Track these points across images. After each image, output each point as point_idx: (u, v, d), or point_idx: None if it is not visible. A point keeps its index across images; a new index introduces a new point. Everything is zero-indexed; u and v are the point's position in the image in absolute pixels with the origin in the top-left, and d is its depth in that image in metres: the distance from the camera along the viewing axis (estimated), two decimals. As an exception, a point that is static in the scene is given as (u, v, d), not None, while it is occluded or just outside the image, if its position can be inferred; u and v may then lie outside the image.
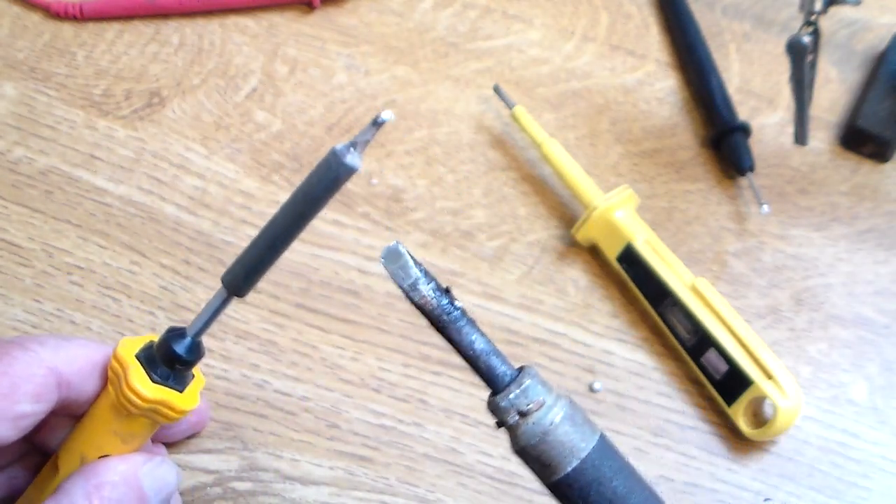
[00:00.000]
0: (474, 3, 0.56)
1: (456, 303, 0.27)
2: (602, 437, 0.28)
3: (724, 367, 0.43)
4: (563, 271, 0.48)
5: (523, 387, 0.27)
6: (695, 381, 0.45)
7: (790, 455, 0.44)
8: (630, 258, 0.45)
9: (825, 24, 0.49)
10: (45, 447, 0.36)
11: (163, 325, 0.45)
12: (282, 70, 0.53)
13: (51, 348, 0.33)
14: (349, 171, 0.28)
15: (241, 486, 0.41)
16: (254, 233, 0.47)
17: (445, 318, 0.27)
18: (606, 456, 0.27)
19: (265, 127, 0.51)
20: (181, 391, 0.33)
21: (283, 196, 0.49)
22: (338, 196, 0.48)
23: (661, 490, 0.42)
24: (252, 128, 0.51)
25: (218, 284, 0.32)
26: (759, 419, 0.43)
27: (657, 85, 0.54)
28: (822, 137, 0.53)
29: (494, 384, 0.27)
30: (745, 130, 0.51)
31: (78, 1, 0.53)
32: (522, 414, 0.27)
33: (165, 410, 0.32)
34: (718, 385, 0.43)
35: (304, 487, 0.41)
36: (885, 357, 0.46)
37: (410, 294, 0.27)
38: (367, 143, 0.28)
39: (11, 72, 0.51)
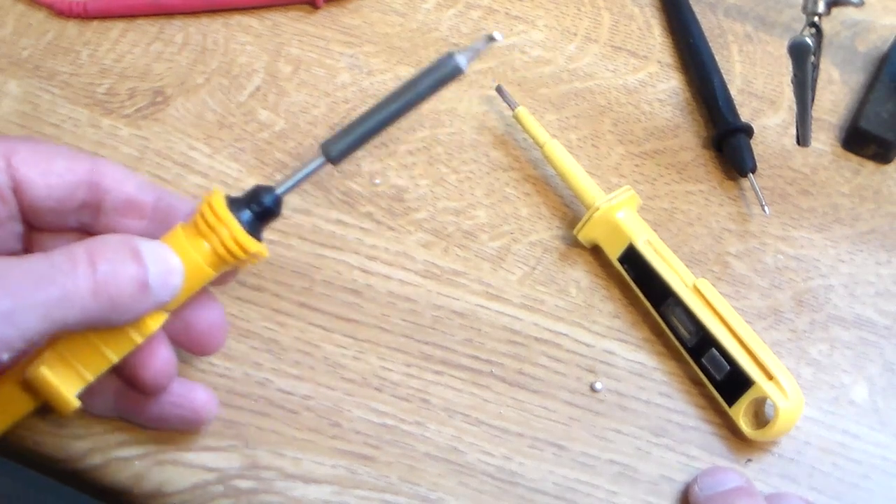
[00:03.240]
0: (477, 4, 0.56)
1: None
2: None
3: (725, 368, 0.43)
4: (565, 271, 0.48)
5: None
6: (696, 382, 0.45)
7: (791, 456, 0.44)
8: (632, 259, 0.46)
9: (827, 25, 0.49)
10: None
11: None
12: (285, 69, 0.53)
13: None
14: (457, 71, 0.34)
15: (243, 484, 0.41)
16: (256, 232, 0.48)
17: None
18: None
19: (268, 126, 0.51)
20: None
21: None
22: (340, 196, 0.49)
23: (661, 490, 0.43)
24: (255, 127, 0.51)
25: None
26: (760, 420, 0.43)
27: (659, 86, 0.54)
28: (824, 139, 0.53)
29: None
30: (747, 132, 0.51)
31: None
32: None
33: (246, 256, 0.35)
34: (719, 385, 0.43)
35: (305, 486, 0.41)
36: (887, 358, 0.46)
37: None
38: (477, 52, 0.34)
39: (16, 70, 0.52)
